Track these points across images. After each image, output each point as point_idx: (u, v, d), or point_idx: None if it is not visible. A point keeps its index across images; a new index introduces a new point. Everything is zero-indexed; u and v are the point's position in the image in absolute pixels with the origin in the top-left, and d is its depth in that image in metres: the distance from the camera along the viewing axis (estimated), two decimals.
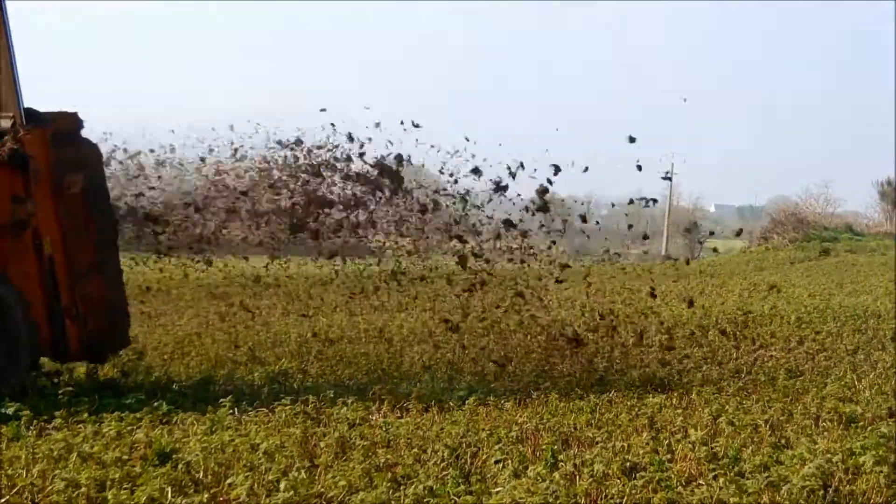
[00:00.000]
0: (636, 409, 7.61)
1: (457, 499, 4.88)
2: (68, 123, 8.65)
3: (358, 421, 7.10)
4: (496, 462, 5.69)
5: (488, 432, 6.46)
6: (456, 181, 11.53)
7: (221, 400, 7.56)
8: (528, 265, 12.17)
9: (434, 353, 11.72)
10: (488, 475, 5.41)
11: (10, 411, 6.88)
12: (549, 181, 11.19)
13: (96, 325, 8.61)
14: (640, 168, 12.07)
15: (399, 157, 11.05)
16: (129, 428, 6.55)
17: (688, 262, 30.32)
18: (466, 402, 7.85)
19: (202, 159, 11.66)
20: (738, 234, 32.79)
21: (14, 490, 5.02)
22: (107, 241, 8.84)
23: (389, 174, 11.03)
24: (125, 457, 5.60)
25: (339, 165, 11.17)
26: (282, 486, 4.96)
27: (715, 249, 37.07)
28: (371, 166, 11.11)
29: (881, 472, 5.31)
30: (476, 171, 11.35)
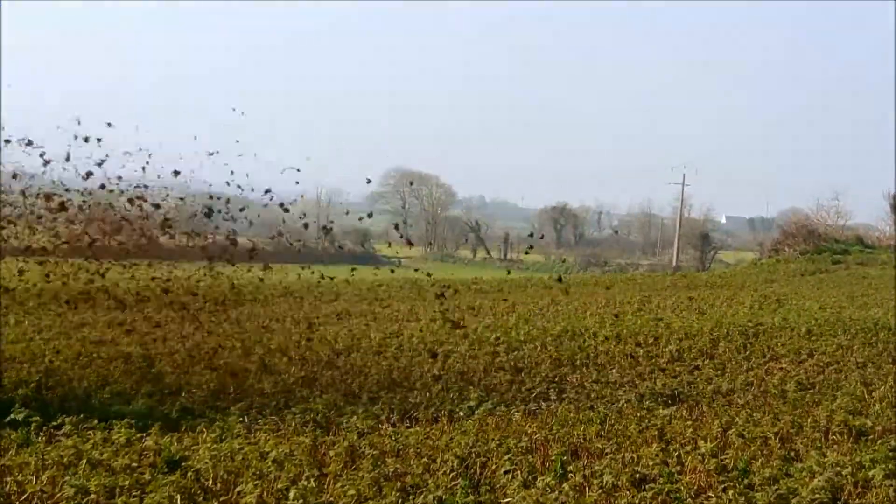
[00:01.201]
0: (646, 421, 7.58)
1: None
2: None
3: (367, 430, 7.11)
4: (505, 472, 5.69)
5: (497, 442, 6.45)
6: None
7: (231, 408, 7.58)
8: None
9: None
10: (497, 485, 5.42)
11: (19, 417, 6.90)
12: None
13: None
14: None
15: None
16: (138, 435, 6.57)
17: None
18: (476, 412, 7.86)
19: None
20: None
21: (24, 496, 5.04)
22: None
23: None
24: (134, 464, 5.62)
25: None
26: (291, 494, 4.98)
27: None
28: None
29: (891, 485, 5.31)
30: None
